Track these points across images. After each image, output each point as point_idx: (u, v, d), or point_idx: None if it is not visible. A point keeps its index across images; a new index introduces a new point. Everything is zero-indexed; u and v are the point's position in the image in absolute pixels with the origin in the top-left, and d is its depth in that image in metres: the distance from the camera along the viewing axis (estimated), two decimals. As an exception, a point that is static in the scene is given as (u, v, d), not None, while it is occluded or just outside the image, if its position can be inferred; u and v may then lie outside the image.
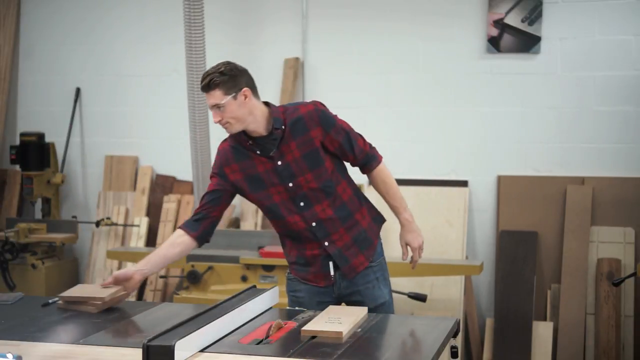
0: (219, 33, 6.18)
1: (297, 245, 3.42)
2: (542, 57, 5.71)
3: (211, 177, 3.44)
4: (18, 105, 6.85)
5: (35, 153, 6.45)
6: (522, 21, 5.69)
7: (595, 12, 5.62)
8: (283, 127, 3.26)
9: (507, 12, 5.71)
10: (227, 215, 6.22)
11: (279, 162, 3.28)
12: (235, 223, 6.24)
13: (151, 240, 6.36)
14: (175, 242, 3.42)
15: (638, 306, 5.49)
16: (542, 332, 5.51)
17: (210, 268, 5.28)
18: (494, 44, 5.77)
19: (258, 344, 2.78)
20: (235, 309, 3.00)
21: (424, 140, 5.98)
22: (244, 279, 5.22)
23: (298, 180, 3.29)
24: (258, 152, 3.29)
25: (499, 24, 5.73)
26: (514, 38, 5.72)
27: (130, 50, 6.53)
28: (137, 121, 6.57)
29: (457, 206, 5.80)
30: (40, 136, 6.49)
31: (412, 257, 3.51)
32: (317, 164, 3.29)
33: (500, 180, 5.82)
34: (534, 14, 5.67)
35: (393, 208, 3.47)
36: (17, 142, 6.55)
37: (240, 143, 3.32)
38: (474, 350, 5.72)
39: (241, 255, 5.29)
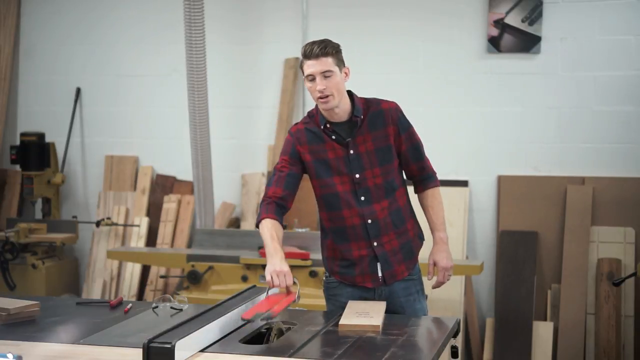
0: (219, 33, 6.18)
1: (341, 246, 3.36)
2: (542, 57, 5.71)
3: (282, 158, 3.35)
4: (18, 105, 6.85)
5: (36, 153, 6.45)
6: (523, 21, 5.69)
7: (595, 12, 5.62)
8: (362, 116, 3.30)
9: (508, 12, 5.71)
10: (227, 215, 6.23)
11: (352, 151, 3.29)
12: (236, 223, 6.24)
13: (151, 240, 6.36)
14: (276, 227, 3.26)
15: (638, 306, 5.49)
16: (542, 332, 5.51)
17: (210, 268, 5.28)
18: (494, 44, 5.77)
19: (262, 319, 2.86)
20: (236, 309, 3.00)
21: (424, 140, 5.92)
22: (245, 279, 5.22)
23: (365, 173, 3.29)
24: (333, 137, 3.30)
25: (499, 24, 5.73)
26: (514, 38, 5.72)
27: (130, 50, 6.53)
28: (137, 121, 6.57)
29: (457, 206, 5.80)
30: (41, 136, 6.49)
31: (437, 278, 3.40)
32: (388, 160, 3.32)
33: (500, 180, 5.81)
34: (534, 14, 5.67)
35: (432, 224, 3.43)
36: (18, 142, 6.55)
37: (317, 125, 3.32)
38: (474, 350, 5.72)
39: (241, 255, 5.29)
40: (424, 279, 3.49)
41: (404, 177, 3.46)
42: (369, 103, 3.35)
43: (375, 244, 3.32)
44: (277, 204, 3.29)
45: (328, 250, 3.42)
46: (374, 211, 3.30)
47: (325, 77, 3.18)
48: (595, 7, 5.62)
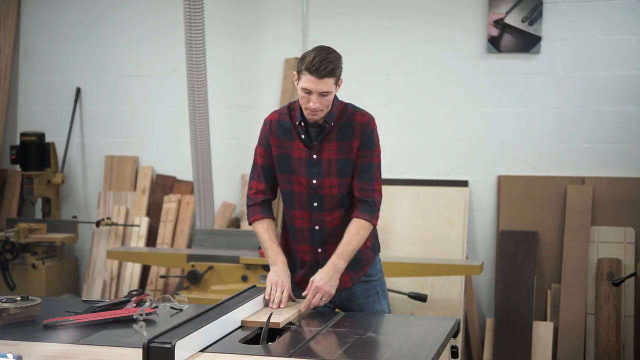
0: (219, 33, 6.18)
1: (292, 243, 3.39)
2: (543, 57, 5.71)
3: (259, 149, 3.36)
4: (18, 105, 6.85)
5: (36, 153, 6.45)
6: (523, 21, 5.69)
7: (595, 12, 5.62)
8: (332, 123, 3.25)
9: (508, 12, 5.71)
10: (227, 215, 6.23)
11: (314, 156, 3.27)
12: (235, 223, 6.25)
13: (151, 240, 6.36)
14: (271, 227, 3.34)
15: (638, 306, 5.49)
16: (542, 332, 5.51)
17: (210, 268, 5.28)
18: (494, 43, 5.77)
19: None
20: (236, 309, 3.00)
21: (424, 140, 5.98)
22: (244, 278, 5.22)
23: (323, 180, 3.27)
24: (302, 136, 3.27)
25: (499, 23, 5.73)
26: (514, 38, 5.72)
27: (130, 50, 6.53)
28: (137, 121, 6.57)
29: (457, 206, 5.80)
30: (41, 136, 6.49)
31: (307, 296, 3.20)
32: (347, 173, 3.28)
33: (500, 180, 5.81)
34: (534, 14, 5.67)
35: (337, 249, 3.23)
36: (18, 142, 6.54)
37: (291, 121, 3.28)
38: (474, 350, 5.72)
39: (241, 255, 5.29)
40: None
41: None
42: (345, 111, 3.28)
43: (319, 250, 3.32)
44: (262, 202, 3.35)
45: (284, 242, 3.44)
46: (324, 219, 3.29)
47: (322, 96, 3.15)
48: (595, 7, 5.62)
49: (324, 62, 3.11)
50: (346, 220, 3.30)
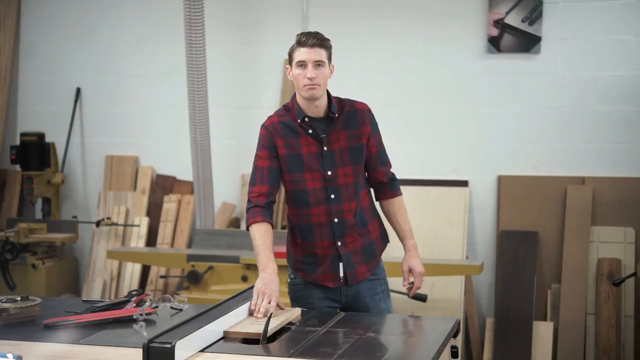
0: (219, 33, 6.18)
1: (306, 244, 3.38)
2: (542, 57, 5.71)
3: (261, 153, 3.34)
4: (18, 105, 6.84)
5: (36, 153, 6.45)
6: (523, 21, 5.69)
7: (595, 12, 5.62)
8: (337, 114, 3.32)
9: (508, 12, 5.71)
10: (227, 215, 6.23)
11: (325, 148, 3.31)
12: (235, 223, 6.25)
13: (151, 240, 6.36)
14: (268, 233, 3.28)
15: (638, 306, 5.49)
16: (542, 332, 5.51)
17: (210, 268, 5.28)
18: (494, 44, 5.77)
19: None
20: (236, 309, 3.00)
21: (424, 140, 5.98)
22: (244, 279, 5.22)
23: (337, 170, 3.31)
24: (310, 131, 3.31)
25: (499, 24, 5.73)
26: (514, 38, 5.72)
27: (130, 50, 6.53)
28: (137, 121, 6.57)
29: (457, 206, 5.80)
30: (41, 136, 6.49)
31: (413, 283, 3.47)
32: (359, 160, 3.36)
33: (500, 180, 5.82)
34: (534, 14, 5.67)
35: (402, 232, 3.48)
36: (18, 142, 6.54)
37: (293, 119, 3.33)
38: (474, 350, 5.72)
39: (241, 255, 5.29)
40: (389, 279, 3.56)
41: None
42: (343, 102, 3.39)
43: (339, 243, 3.35)
44: (264, 206, 3.29)
45: (292, 245, 3.44)
46: (342, 210, 3.33)
47: (317, 66, 3.23)
48: (595, 7, 5.62)
49: (311, 34, 3.26)
50: (359, 208, 3.37)
